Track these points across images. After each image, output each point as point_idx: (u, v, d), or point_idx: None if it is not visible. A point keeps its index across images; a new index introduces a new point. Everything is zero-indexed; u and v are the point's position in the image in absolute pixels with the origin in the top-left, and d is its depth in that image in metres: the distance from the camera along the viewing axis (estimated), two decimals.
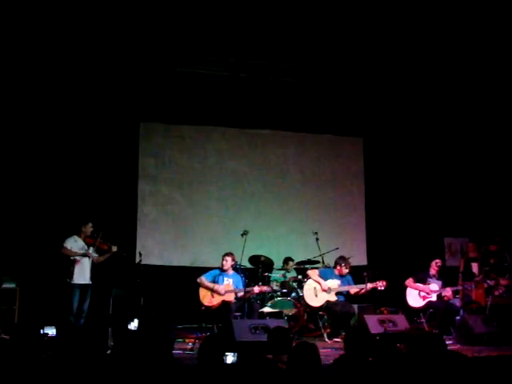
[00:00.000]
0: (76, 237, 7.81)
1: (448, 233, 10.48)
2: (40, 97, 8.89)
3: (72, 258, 7.69)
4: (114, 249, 7.85)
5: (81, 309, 7.54)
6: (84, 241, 7.83)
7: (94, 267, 7.96)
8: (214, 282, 7.88)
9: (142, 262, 8.07)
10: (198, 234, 9.96)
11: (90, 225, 7.86)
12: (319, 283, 8.16)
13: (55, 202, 8.96)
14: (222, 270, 7.96)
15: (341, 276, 8.24)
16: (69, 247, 7.73)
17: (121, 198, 9.51)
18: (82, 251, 7.77)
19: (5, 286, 7.93)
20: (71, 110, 9.24)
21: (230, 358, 3.53)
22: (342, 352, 6.32)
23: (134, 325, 6.57)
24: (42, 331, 6.66)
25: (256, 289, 7.87)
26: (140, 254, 8.16)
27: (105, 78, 9.10)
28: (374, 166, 10.80)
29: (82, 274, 7.72)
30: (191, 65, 9.26)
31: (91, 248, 7.80)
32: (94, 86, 9.16)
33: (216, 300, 7.70)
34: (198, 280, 7.85)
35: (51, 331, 6.95)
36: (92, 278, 7.88)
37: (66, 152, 9.19)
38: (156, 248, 9.72)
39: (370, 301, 8.27)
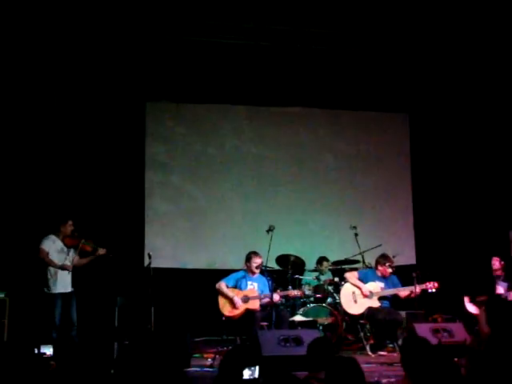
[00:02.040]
0: (53, 236, 7.67)
1: None
2: (27, 72, 8.87)
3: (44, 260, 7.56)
4: (102, 251, 7.71)
5: (70, 321, 7.49)
6: (63, 241, 7.69)
7: (86, 272, 7.89)
8: (237, 286, 7.84)
9: (152, 265, 8.04)
10: (215, 231, 9.93)
11: (70, 223, 7.69)
12: (359, 287, 8.06)
13: (47, 197, 8.98)
14: (247, 272, 7.92)
15: (384, 278, 8.13)
16: (46, 249, 7.58)
17: (125, 191, 9.54)
18: (61, 256, 7.63)
19: None
20: (65, 88, 9.24)
21: (247, 372, 3.46)
22: (387, 368, 6.29)
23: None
24: (37, 350, 6.69)
25: (275, 296, 7.74)
26: (149, 256, 8.11)
27: (103, 49, 9.05)
28: (422, 147, 10.62)
29: (62, 280, 7.56)
30: (204, 33, 9.16)
31: (72, 250, 7.72)
32: (91, 58, 9.12)
33: (238, 309, 7.65)
34: (217, 286, 7.83)
35: (48, 350, 6.98)
36: (75, 283, 7.74)
37: (60, 138, 9.21)
38: (167, 248, 9.71)
39: (421, 306, 8.14)
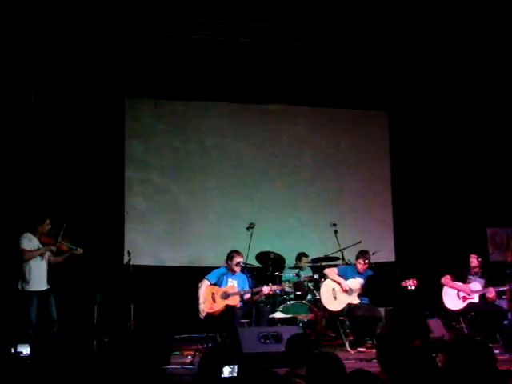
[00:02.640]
0: (30, 235, 7.51)
1: (491, 222, 10.35)
2: (5, 67, 8.74)
3: (27, 260, 7.42)
4: (79, 251, 7.59)
5: (50, 319, 7.39)
6: (39, 240, 7.56)
7: (64, 269, 7.82)
8: (218, 282, 7.87)
9: (131, 263, 8.00)
10: (195, 228, 9.90)
11: (48, 222, 7.56)
12: (339, 283, 8.11)
13: (24, 194, 8.84)
14: (228, 269, 7.93)
15: (362, 274, 8.18)
16: (27, 249, 7.43)
17: (104, 188, 9.45)
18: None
19: None
20: (42, 84, 9.13)
21: (227, 370, 3.45)
22: (367, 364, 6.32)
23: None
24: (13, 350, 6.63)
25: (265, 289, 7.81)
26: (128, 253, 8.09)
27: (81, 46, 8.95)
28: (401, 144, 10.67)
29: (38, 278, 7.42)
30: (183, 29, 9.11)
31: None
32: (69, 55, 9.03)
33: (218, 305, 7.66)
34: (200, 284, 7.83)
35: (25, 350, 6.91)
36: (53, 281, 7.61)
37: (37, 134, 9.10)
38: (147, 246, 9.67)
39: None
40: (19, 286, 7.37)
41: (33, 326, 7.21)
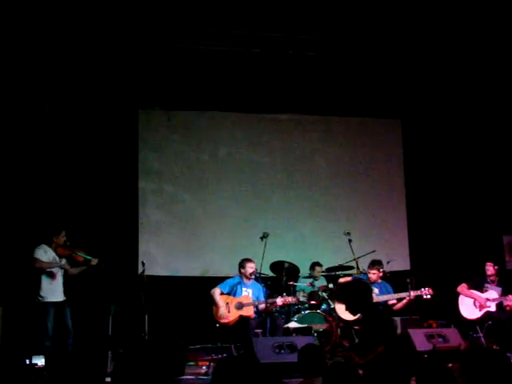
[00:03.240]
0: (46, 246, 7.55)
1: (507, 230, 10.25)
2: (20, 78, 8.82)
3: (46, 270, 7.48)
4: (94, 262, 7.62)
5: (66, 330, 7.43)
6: (55, 251, 7.60)
7: (79, 280, 7.85)
8: (232, 292, 7.85)
9: (146, 273, 8.01)
10: (209, 238, 9.90)
11: (63, 234, 7.61)
12: None
13: (40, 206, 8.91)
14: (242, 278, 7.92)
15: (377, 284, 8.13)
16: (42, 259, 7.48)
17: (118, 199, 9.49)
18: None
19: None
20: (56, 95, 9.20)
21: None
22: None
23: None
24: (28, 361, 6.65)
25: (279, 300, 7.79)
26: (143, 264, 8.08)
27: (95, 57, 9.02)
28: (415, 152, 10.62)
29: (55, 289, 7.47)
30: (196, 40, 9.11)
31: (64, 260, 7.65)
32: (82, 67, 9.09)
33: (232, 315, 7.64)
34: (211, 292, 7.81)
35: (40, 361, 6.92)
36: (68, 292, 7.65)
37: (51, 147, 9.16)
38: (161, 256, 9.68)
39: (416, 312, 8.13)
40: (36, 298, 7.41)
41: (49, 337, 7.25)
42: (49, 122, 9.17)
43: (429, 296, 7.81)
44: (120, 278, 8.72)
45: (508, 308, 8.03)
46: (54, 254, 7.56)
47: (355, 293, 5.07)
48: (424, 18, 8.69)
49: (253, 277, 7.93)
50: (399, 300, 7.97)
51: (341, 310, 8.06)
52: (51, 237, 7.58)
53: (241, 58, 9.47)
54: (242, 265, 7.98)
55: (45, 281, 7.43)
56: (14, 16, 8.04)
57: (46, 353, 7.01)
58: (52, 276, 7.47)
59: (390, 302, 8.03)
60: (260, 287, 8.01)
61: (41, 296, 7.39)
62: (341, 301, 7.40)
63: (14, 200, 8.73)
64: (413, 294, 7.74)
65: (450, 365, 6.35)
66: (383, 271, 8.18)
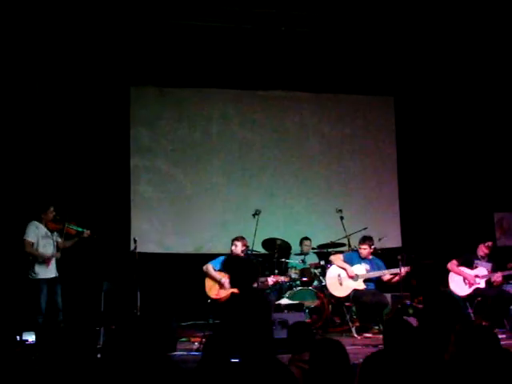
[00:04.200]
0: (37, 223, 7.56)
1: (498, 207, 10.30)
2: (9, 55, 8.72)
3: (39, 247, 7.49)
4: (86, 233, 7.65)
5: (55, 306, 7.45)
6: (46, 226, 7.60)
7: (71, 256, 7.85)
8: (223, 270, 7.84)
9: (138, 250, 8.01)
10: (201, 215, 9.90)
11: (52, 209, 7.59)
12: (344, 269, 8.10)
13: (31, 182, 8.88)
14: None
15: (367, 259, 8.17)
16: (32, 240, 7.46)
17: (110, 176, 9.47)
18: (46, 241, 7.52)
19: None
20: (47, 72, 9.11)
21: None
22: (373, 349, 6.32)
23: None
24: (19, 338, 6.67)
25: (270, 280, 7.82)
26: (135, 241, 8.07)
27: (86, 34, 8.92)
28: (407, 130, 10.61)
29: (47, 265, 7.46)
30: (188, 16, 9.07)
31: (55, 233, 7.64)
32: (73, 43, 9.00)
33: (224, 292, 7.65)
34: (204, 268, 7.81)
35: (30, 337, 6.94)
36: (60, 268, 7.64)
37: (42, 123, 9.10)
38: (153, 233, 9.69)
39: (406, 289, 8.19)
40: (29, 274, 7.41)
41: (42, 314, 7.28)
42: (39, 99, 9.10)
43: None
44: (112, 254, 8.73)
45: (495, 284, 8.09)
46: (45, 229, 7.57)
47: (241, 268, 5.20)
48: None
49: (243, 254, 7.93)
50: (392, 276, 8.02)
51: (332, 287, 8.12)
52: (39, 214, 7.58)
53: (233, 35, 9.42)
54: (233, 243, 7.99)
55: (39, 258, 7.44)
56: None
57: (38, 329, 7.03)
58: (43, 252, 7.47)
59: (386, 278, 8.06)
60: None
61: (34, 273, 7.39)
62: (226, 272, 7.50)
63: (3, 177, 8.70)
64: (404, 270, 7.78)
65: None
66: (374, 248, 8.22)
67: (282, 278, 8.06)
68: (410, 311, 7.48)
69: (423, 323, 5.52)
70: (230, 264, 4.99)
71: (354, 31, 9.56)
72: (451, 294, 7.92)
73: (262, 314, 5.96)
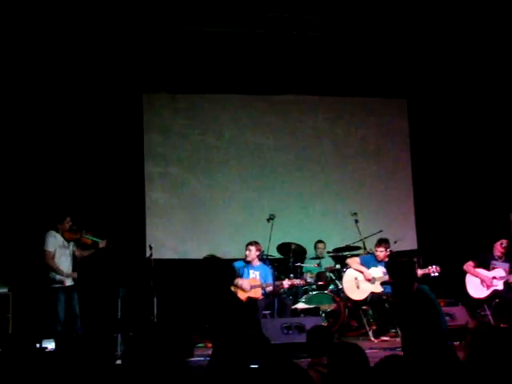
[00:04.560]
0: (54, 232, 7.62)
1: None
2: (24, 63, 8.79)
3: (56, 256, 7.54)
4: (102, 244, 7.71)
5: (73, 314, 7.49)
6: (63, 236, 7.65)
7: (88, 264, 7.89)
8: (238, 276, 7.84)
9: (153, 257, 8.04)
10: (216, 221, 9.91)
11: (68, 219, 7.65)
12: (361, 272, 8.07)
13: (48, 190, 8.95)
14: (246, 261, 7.93)
15: (385, 263, 8.13)
16: (52, 251, 7.51)
17: (125, 183, 9.50)
18: (63, 251, 7.57)
19: None
20: (60, 79, 9.17)
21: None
22: (390, 353, 6.28)
23: None
24: (38, 345, 6.71)
25: (286, 283, 7.81)
26: (150, 248, 8.14)
27: (99, 42, 8.97)
28: (421, 132, 10.55)
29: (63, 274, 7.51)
30: (199, 22, 9.07)
31: (71, 243, 7.70)
32: (86, 51, 9.04)
33: (240, 297, 7.65)
34: None
35: (50, 345, 6.98)
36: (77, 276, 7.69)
37: (56, 131, 9.16)
38: (168, 239, 9.71)
39: None
40: (46, 283, 7.46)
41: (61, 322, 7.33)
42: (53, 107, 9.16)
43: (436, 274, 7.80)
44: (128, 261, 8.75)
45: None
46: (62, 239, 7.61)
47: (215, 271, 5.21)
48: None
49: (258, 259, 7.95)
50: None
51: (349, 290, 8.09)
52: (55, 224, 7.63)
53: (245, 40, 9.42)
54: (247, 248, 8.01)
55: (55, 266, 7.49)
56: (16, 1, 8.01)
57: (58, 337, 7.08)
58: (61, 261, 7.52)
59: None
60: (267, 269, 8.02)
61: (51, 281, 7.44)
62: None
63: (22, 186, 8.77)
64: (420, 272, 7.73)
65: (457, 343, 6.41)
66: (390, 251, 8.19)
67: (297, 281, 8.04)
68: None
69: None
70: (204, 267, 5.01)
71: (366, 34, 9.53)
72: None
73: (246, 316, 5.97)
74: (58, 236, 7.61)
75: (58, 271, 7.49)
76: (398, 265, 5.18)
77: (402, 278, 5.01)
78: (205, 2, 8.62)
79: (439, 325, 4.87)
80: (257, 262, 7.98)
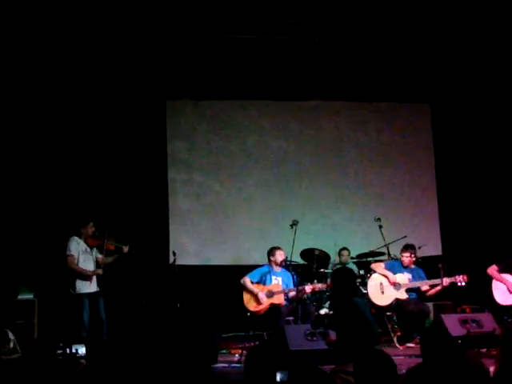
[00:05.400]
0: (77, 238, 7.66)
1: None
2: (50, 71, 8.89)
3: (80, 263, 7.58)
4: (125, 249, 7.73)
5: (99, 320, 7.52)
6: (86, 242, 7.70)
7: (112, 271, 7.93)
8: (262, 281, 7.85)
9: (177, 263, 8.06)
10: (239, 227, 9.92)
11: (91, 225, 7.70)
12: (386, 276, 8.01)
13: (72, 197, 9.02)
14: (271, 266, 7.93)
15: (409, 268, 8.07)
16: (75, 255, 7.56)
17: (148, 190, 9.56)
18: (86, 256, 7.61)
19: (22, 297, 7.97)
20: (85, 87, 9.27)
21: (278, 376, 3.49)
22: (415, 360, 6.22)
23: None
24: (69, 350, 6.77)
25: (308, 288, 7.76)
26: (174, 254, 8.17)
27: (123, 48, 9.05)
28: (445, 136, 10.46)
29: (88, 281, 7.55)
30: (221, 29, 9.12)
31: (94, 249, 7.74)
32: (111, 58, 9.13)
33: (263, 304, 7.64)
34: (242, 281, 7.84)
35: (80, 350, 7.03)
36: (102, 282, 7.74)
37: (81, 138, 9.25)
38: (192, 245, 9.73)
39: (449, 298, 8.05)
40: (71, 289, 7.50)
41: (86, 328, 7.37)
42: (78, 115, 9.25)
43: (463, 283, 7.70)
44: (152, 267, 8.80)
45: None
46: (85, 245, 7.66)
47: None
48: (452, 2, 8.56)
49: (281, 264, 7.93)
50: (432, 286, 7.89)
51: (373, 295, 8.03)
52: (79, 229, 7.68)
53: (267, 46, 9.44)
54: (271, 253, 7.98)
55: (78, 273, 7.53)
56: (42, 8, 8.10)
57: (84, 343, 7.12)
58: (85, 268, 7.57)
59: (423, 289, 7.96)
60: (290, 275, 7.98)
61: (75, 288, 7.48)
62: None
63: (47, 192, 8.86)
64: (447, 281, 7.65)
65: (484, 350, 6.32)
66: (415, 256, 8.11)
67: (319, 286, 7.99)
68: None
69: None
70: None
71: (389, 39, 9.50)
72: None
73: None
74: (81, 242, 7.66)
75: (83, 272, 7.52)
76: (340, 273, 5.49)
77: (342, 286, 5.32)
78: (228, 9, 8.65)
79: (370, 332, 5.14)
80: (279, 268, 7.96)
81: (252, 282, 7.82)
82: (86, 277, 7.51)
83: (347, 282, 5.34)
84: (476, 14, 8.83)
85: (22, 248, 8.45)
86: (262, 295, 7.64)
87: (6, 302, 7.82)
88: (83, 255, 7.63)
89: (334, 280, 5.58)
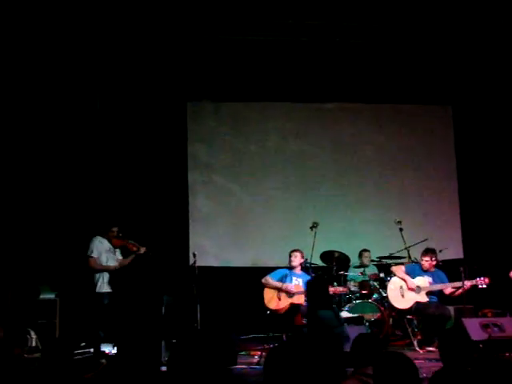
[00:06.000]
0: (100, 238, 7.74)
1: None
2: (71, 75, 8.97)
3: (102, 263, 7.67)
4: (142, 250, 7.79)
5: (114, 320, 7.56)
6: (110, 242, 7.77)
7: (133, 271, 7.98)
8: (282, 282, 7.88)
9: (197, 264, 8.09)
10: (259, 229, 9.92)
11: (115, 229, 7.77)
12: (405, 281, 7.96)
13: (95, 198, 9.10)
14: (290, 268, 7.94)
15: (429, 272, 8.01)
16: (95, 256, 7.63)
17: (169, 191, 9.60)
18: (109, 256, 7.70)
19: (43, 296, 8.05)
20: (107, 91, 9.35)
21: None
22: (436, 364, 6.17)
23: None
24: (93, 349, 6.83)
25: (330, 290, 7.76)
26: (194, 255, 8.19)
27: (144, 52, 9.12)
28: (466, 139, 10.37)
29: (109, 280, 7.64)
30: (242, 31, 9.14)
31: (117, 250, 7.82)
32: (131, 62, 9.20)
33: (283, 303, 7.67)
34: (263, 280, 7.87)
35: (108, 349, 7.09)
36: (118, 283, 7.78)
37: (102, 142, 9.32)
38: (212, 247, 9.76)
39: (470, 301, 7.97)
40: (92, 289, 7.59)
41: (104, 328, 7.42)
42: (100, 118, 9.32)
43: (484, 285, 7.63)
44: (172, 269, 8.83)
45: None
46: (109, 244, 7.73)
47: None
48: (472, 4, 8.49)
49: (300, 266, 7.95)
50: (454, 289, 7.83)
51: (394, 299, 7.99)
52: (101, 229, 7.76)
53: (288, 48, 9.44)
54: (290, 255, 8.02)
55: (99, 273, 7.59)
56: (63, 10, 8.18)
57: (102, 342, 7.17)
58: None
59: (447, 292, 7.90)
60: (309, 278, 7.99)
61: (96, 287, 7.55)
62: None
63: (69, 193, 8.94)
64: (468, 283, 7.59)
65: (507, 354, 6.25)
66: (436, 260, 8.05)
67: (339, 289, 7.98)
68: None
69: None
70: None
71: (410, 40, 9.44)
72: None
73: None
74: (105, 241, 7.74)
75: (107, 268, 7.61)
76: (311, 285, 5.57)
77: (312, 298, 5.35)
78: (249, 11, 8.67)
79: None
80: (299, 270, 7.96)
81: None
82: (106, 275, 7.57)
83: (317, 294, 5.29)
84: (501, 17, 8.75)
85: (44, 248, 8.53)
86: (287, 285, 7.66)
87: (28, 302, 7.91)
88: (106, 254, 7.71)
89: (307, 290, 5.52)
